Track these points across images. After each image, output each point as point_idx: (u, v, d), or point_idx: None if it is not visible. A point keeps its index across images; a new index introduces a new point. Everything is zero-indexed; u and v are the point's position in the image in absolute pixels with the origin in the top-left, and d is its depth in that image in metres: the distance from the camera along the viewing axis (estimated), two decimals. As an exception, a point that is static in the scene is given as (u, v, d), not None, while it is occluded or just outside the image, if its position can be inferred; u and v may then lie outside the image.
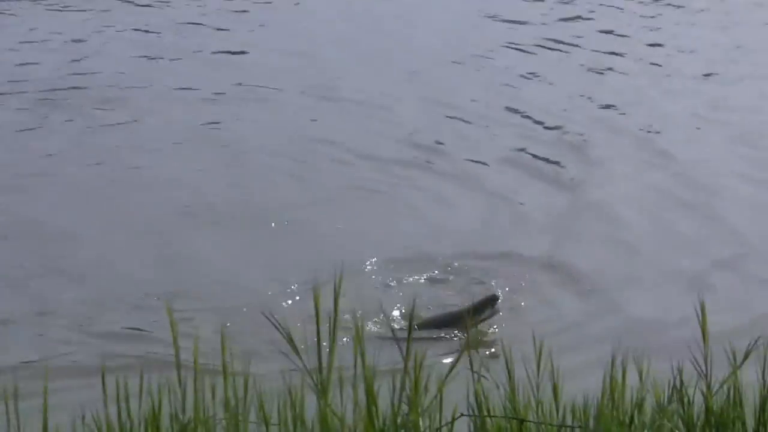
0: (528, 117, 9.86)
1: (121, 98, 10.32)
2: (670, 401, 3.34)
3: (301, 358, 3.18)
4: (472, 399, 3.33)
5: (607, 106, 10.13)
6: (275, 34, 12.49)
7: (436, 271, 7.14)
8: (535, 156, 9.03)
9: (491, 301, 6.14)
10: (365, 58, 11.70)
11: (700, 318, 3.37)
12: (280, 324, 3.24)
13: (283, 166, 8.97)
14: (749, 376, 3.37)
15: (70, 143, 9.33)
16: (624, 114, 9.98)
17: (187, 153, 9.20)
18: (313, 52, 11.74)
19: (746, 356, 3.34)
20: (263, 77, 10.86)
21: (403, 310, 6.04)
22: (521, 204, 8.26)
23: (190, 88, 10.56)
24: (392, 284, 6.97)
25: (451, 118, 9.89)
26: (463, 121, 9.85)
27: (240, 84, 10.73)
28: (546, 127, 9.63)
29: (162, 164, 8.94)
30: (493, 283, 6.67)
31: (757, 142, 9.25)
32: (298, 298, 6.42)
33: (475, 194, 8.41)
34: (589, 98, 10.30)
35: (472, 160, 9.01)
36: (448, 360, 4.46)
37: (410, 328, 3.31)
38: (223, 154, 9.14)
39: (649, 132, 9.55)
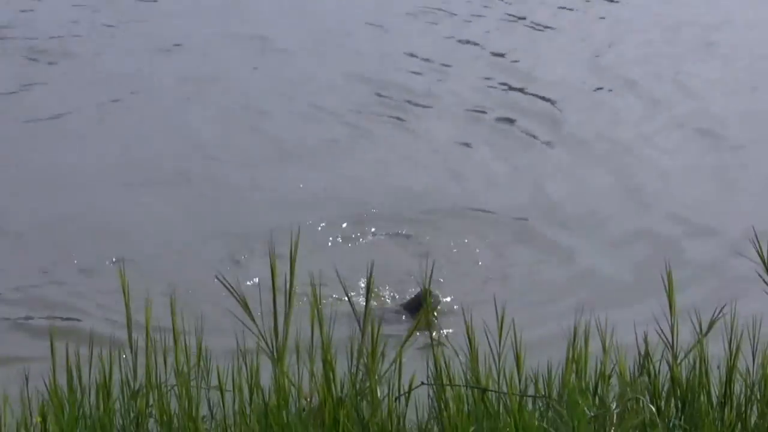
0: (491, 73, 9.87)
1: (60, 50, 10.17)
2: (636, 372, 3.32)
3: (256, 324, 3.12)
4: (432, 368, 3.30)
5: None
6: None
7: (398, 230, 7.05)
8: (497, 112, 9.04)
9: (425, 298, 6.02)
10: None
11: (667, 287, 3.34)
12: (234, 289, 3.18)
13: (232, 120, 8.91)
14: (716, 347, 3.36)
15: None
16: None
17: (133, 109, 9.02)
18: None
19: (711, 326, 3.30)
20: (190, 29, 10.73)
21: (361, 275, 5.97)
22: (482, 161, 8.23)
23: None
24: (351, 244, 6.86)
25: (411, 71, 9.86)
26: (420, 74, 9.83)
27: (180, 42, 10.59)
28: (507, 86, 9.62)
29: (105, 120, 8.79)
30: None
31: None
32: (254, 261, 6.26)
33: (435, 150, 8.36)
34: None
35: (435, 115, 9.00)
36: (406, 327, 4.43)
37: (369, 292, 3.26)
38: (164, 111, 8.98)
39: (610, 91, 9.55)
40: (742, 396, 3.33)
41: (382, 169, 8.01)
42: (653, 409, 3.27)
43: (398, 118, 8.86)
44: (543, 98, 9.32)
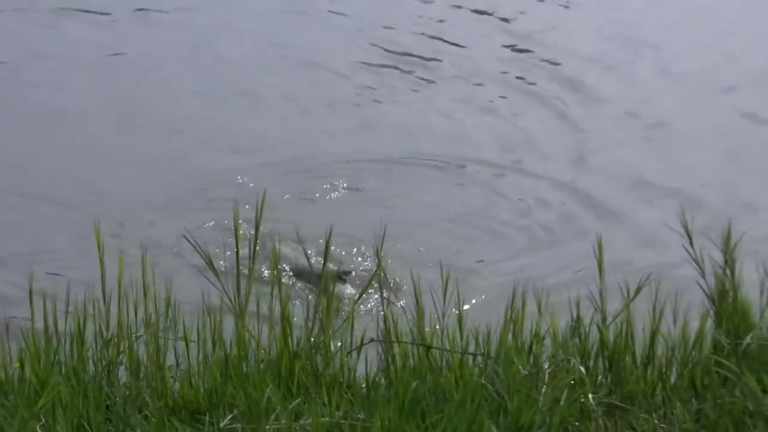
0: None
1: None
2: (568, 333, 3.63)
3: (219, 280, 3.41)
4: (382, 325, 3.60)
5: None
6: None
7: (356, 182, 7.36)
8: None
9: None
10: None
11: (597, 254, 3.65)
12: (200, 248, 3.47)
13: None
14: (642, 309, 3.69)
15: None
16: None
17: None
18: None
19: (638, 291, 3.62)
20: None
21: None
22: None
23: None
24: (309, 198, 7.04)
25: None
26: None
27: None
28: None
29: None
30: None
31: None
32: (220, 217, 6.36)
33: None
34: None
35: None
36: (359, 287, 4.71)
37: (326, 251, 3.55)
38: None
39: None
40: (664, 357, 3.63)
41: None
42: (582, 369, 3.54)
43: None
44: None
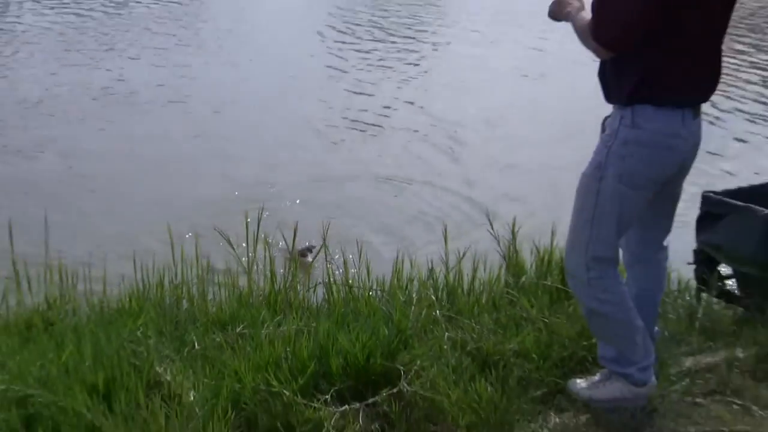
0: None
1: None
2: (426, 277, 6.24)
3: (235, 252, 6.10)
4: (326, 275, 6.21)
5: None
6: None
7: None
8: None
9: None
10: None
11: (444, 233, 6.31)
12: (222, 233, 6.13)
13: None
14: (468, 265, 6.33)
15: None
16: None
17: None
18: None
19: (463, 255, 6.26)
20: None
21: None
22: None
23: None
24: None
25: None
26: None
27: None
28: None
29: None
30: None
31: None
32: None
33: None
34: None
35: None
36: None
37: (294, 236, 6.25)
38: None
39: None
40: (478, 290, 6.08)
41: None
42: (433, 297, 5.72)
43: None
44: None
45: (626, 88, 4.28)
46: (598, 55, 4.31)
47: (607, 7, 4.21)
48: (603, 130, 4.49)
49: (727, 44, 6.10)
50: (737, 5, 4.26)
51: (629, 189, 4.38)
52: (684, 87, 4.29)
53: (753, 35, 21.22)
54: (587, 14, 4.37)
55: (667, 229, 4.85)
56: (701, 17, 4.21)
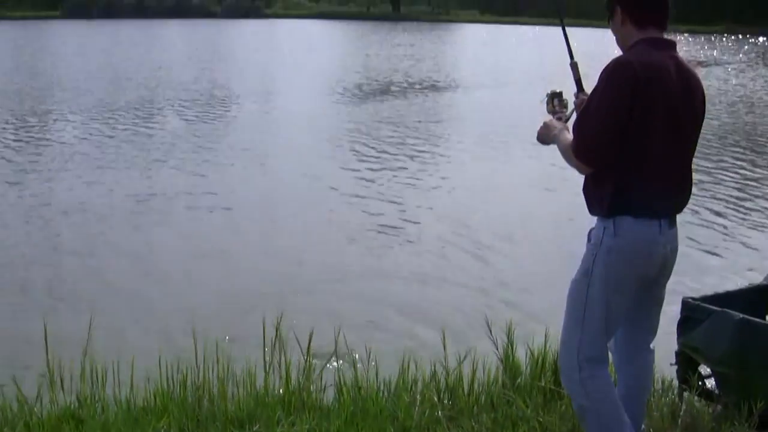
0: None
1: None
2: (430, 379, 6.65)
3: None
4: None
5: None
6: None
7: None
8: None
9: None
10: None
11: (443, 342, 6.80)
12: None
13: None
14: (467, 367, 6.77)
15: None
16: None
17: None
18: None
19: (464, 358, 6.72)
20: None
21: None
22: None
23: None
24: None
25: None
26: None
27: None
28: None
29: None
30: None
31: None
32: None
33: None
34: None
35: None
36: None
37: (309, 341, 6.72)
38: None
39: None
40: (477, 390, 6.53)
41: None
42: (435, 399, 6.18)
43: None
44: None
45: (605, 202, 4.86)
46: (579, 171, 4.91)
47: (583, 127, 4.83)
48: (589, 239, 5.02)
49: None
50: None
51: (615, 293, 4.91)
52: (656, 201, 4.86)
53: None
54: (570, 135, 4.97)
55: (652, 331, 5.34)
56: (670, 136, 4.81)
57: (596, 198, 4.96)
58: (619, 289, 4.92)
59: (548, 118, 5.33)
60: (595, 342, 5.00)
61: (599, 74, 4.80)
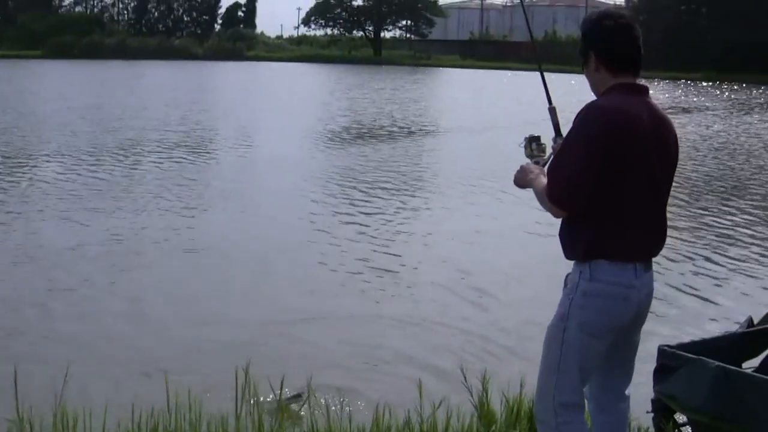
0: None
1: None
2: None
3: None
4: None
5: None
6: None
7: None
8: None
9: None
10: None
11: (419, 389, 6.79)
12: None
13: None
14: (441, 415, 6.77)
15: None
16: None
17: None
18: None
19: (439, 405, 6.74)
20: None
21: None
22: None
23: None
24: None
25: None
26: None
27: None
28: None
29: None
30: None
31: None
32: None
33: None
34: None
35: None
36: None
37: (280, 391, 6.68)
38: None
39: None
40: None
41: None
42: None
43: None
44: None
45: (581, 246, 4.91)
46: (553, 214, 4.98)
47: (557, 172, 4.89)
48: (565, 284, 5.05)
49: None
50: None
51: (590, 337, 4.93)
52: (632, 245, 4.91)
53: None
54: (545, 179, 5.02)
55: (627, 377, 5.36)
56: (643, 180, 4.86)
57: (572, 242, 5.01)
58: (594, 333, 4.95)
59: (526, 161, 5.38)
60: (570, 387, 5.02)
61: (573, 119, 4.85)
